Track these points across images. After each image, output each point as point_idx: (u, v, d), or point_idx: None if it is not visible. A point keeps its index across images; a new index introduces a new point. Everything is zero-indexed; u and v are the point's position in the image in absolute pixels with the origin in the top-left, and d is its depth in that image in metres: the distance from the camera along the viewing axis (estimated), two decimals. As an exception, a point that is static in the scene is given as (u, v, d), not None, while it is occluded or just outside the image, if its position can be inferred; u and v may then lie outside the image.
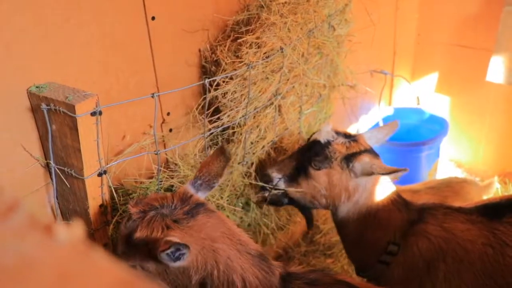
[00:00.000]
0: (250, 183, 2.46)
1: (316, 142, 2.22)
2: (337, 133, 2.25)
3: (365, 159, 2.15)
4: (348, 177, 2.16)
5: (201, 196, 1.73)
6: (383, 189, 2.21)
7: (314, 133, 2.32)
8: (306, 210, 2.48)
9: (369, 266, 2.22)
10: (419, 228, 2.13)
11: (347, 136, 2.25)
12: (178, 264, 1.51)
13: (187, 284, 1.60)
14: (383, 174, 2.07)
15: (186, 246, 1.43)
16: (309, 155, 2.23)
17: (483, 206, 2.17)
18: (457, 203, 2.37)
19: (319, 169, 2.18)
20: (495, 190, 3.59)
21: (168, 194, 1.68)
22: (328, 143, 2.21)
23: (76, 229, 0.38)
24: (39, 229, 0.37)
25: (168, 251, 1.42)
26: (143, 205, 1.61)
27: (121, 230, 1.62)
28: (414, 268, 2.09)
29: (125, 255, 1.59)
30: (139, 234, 1.54)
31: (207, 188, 1.77)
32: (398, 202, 2.22)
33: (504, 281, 1.97)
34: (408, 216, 2.18)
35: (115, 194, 1.89)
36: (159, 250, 1.43)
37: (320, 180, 2.19)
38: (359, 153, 2.18)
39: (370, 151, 2.23)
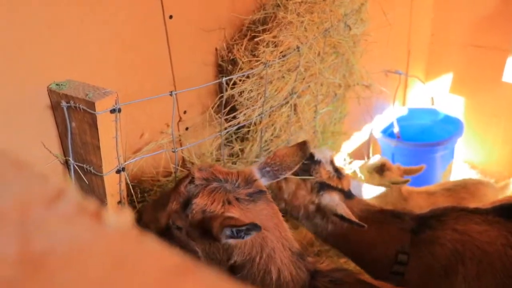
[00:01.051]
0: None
1: (312, 155, 2.26)
2: (332, 162, 2.30)
3: (336, 197, 2.18)
4: (311, 202, 2.21)
5: (264, 182, 1.75)
6: (355, 214, 2.21)
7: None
8: None
9: (381, 277, 2.20)
10: (427, 236, 2.11)
11: (337, 170, 2.29)
12: (231, 241, 1.54)
13: (223, 262, 1.62)
14: (340, 217, 2.10)
15: (259, 227, 1.44)
16: None
17: (499, 206, 2.14)
18: (473, 205, 2.35)
19: (296, 174, 2.20)
20: None
21: (234, 171, 1.70)
22: (319, 162, 2.25)
23: (125, 215, 0.38)
24: (88, 215, 0.38)
25: (241, 229, 1.44)
26: (208, 173, 1.64)
27: (179, 189, 1.63)
28: (431, 273, 2.07)
29: (176, 215, 1.61)
30: (199, 200, 1.57)
31: (272, 177, 1.79)
32: (382, 217, 2.23)
33: None
34: (405, 225, 2.17)
35: (132, 191, 1.90)
36: (227, 223, 1.45)
37: (289, 185, 2.23)
38: (335, 189, 2.22)
39: (347, 193, 2.26)
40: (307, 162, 2.21)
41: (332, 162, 2.30)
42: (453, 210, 2.18)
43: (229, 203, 1.57)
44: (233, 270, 1.63)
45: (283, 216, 1.76)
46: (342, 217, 2.09)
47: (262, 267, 1.62)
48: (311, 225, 2.28)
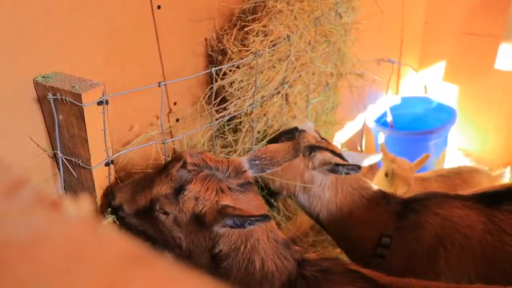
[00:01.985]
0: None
1: (295, 127, 2.31)
2: (317, 131, 2.34)
3: (328, 154, 2.20)
4: (305, 167, 2.21)
5: (250, 174, 1.76)
6: (349, 186, 2.23)
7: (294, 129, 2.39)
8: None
9: (364, 259, 2.20)
10: (411, 219, 2.13)
11: (323, 138, 2.34)
12: (222, 230, 1.55)
13: (207, 249, 1.63)
14: (336, 164, 2.12)
15: (269, 218, 1.46)
16: (282, 131, 2.33)
17: (479, 194, 2.16)
18: (466, 192, 2.35)
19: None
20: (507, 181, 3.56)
21: (224, 159, 1.70)
22: (303, 131, 2.28)
23: (84, 204, 0.37)
24: (46, 204, 0.37)
25: (251, 219, 1.46)
26: (199, 160, 1.63)
27: (170, 173, 1.62)
28: (414, 257, 2.09)
29: (166, 200, 1.60)
30: (192, 186, 1.57)
31: (259, 170, 1.80)
32: (373, 196, 2.24)
33: (503, 267, 1.97)
34: (391, 208, 2.19)
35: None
36: (229, 212, 1.47)
37: None
38: (325, 149, 2.23)
39: (337, 154, 2.26)
40: (291, 134, 2.26)
41: (317, 131, 2.34)
42: (435, 195, 2.20)
43: (222, 191, 1.57)
44: (217, 259, 1.63)
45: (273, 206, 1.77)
46: (337, 164, 2.11)
47: (246, 257, 1.63)
48: (307, 199, 2.27)
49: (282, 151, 1.83)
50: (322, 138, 2.34)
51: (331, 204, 2.23)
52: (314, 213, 2.30)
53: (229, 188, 1.60)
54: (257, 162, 1.78)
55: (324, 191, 2.23)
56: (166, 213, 1.62)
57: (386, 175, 2.93)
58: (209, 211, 1.53)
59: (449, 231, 2.05)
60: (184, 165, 1.61)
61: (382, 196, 2.24)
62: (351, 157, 2.37)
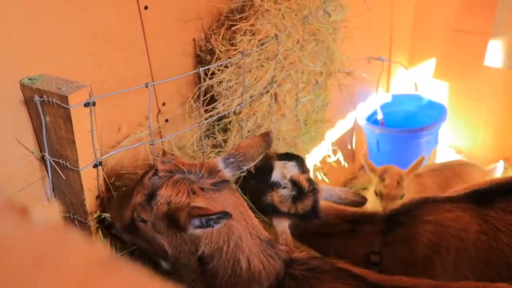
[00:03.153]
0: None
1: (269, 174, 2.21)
2: (294, 181, 2.20)
3: (284, 223, 2.15)
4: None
5: (227, 173, 1.75)
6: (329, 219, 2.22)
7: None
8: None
9: None
10: (400, 234, 2.11)
11: (299, 188, 2.19)
12: (198, 231, 1.54)
13: (191, 253, 1.62)
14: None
15: (229, 215, 1.45)
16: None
17: (471, 192, 2.14)
18: (458, 185, 2.36)
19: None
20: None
21: (197, 162, 1.71)
22: (275, 184, 2.19)
23: (52, 211, 0.37)
24: (14, 211, 0.36)
25: (211, 217, 1.45)
26: (171, 166, 1.64)
27: (143, 182, 1.62)
28: (410, 267, 2.07)
29: (141, 207, 1.61)
30: (164, 191, 1.57)
31: (236, 168, 1.79)
32: (353, 221, 2.22)
33: (499, 265, 1.97)
34: (374, 228, 2.17)
35: (110, 187, 1.88)
36: (195, 213, 1.46)
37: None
38: (285, 214, 2.16)
39: (301, 215, 2.18)
40: (265, 186, 2.18)
41: (294, 181, 2.19)
42: (424, 202, 2.17)
43: (194, 193, 1.57)
44: (203, 262, 1.63)
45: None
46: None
47: (231, 256, 1.62)
48: None
49: (254, 145, 1.82)
50: (298, 189, 2.18)
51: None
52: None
53: (202, 189, 1.59)
54: (231, 160, 1.77)
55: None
56: (144, 221, 1.62)
57: (376, 193, 2.92)
58: (181, 214, 1.51)
59: (444, 236, 2.03)
60: (155, 173, 1.62)
61: (363, 218, 2.23)
62: (333, 191, 2.34)
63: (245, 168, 1.81)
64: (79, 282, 0.31)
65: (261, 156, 1.83)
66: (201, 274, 1.66)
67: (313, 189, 2.19)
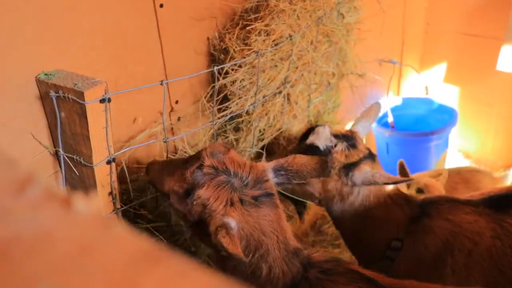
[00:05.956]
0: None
1: (315, 148, 2.14)
2: (336, 136, 2.16)
3: (366, 168, 2.09)
4: (344, 183, 2.12)
5: (274, 183, 1.71)
6: (380, 189, 2.17)
7: (311, 130, 2.23)
8: (297, 204, 2.46)
9: (372, 261, 2.17)
10: (423, 223, 2.09)
11: (346, 138, 2.16)
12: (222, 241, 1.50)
13: (213, 246, 1.57)
14: (385, 184, 2.04)
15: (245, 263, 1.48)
16: (310, 128, 2.20)
17: (489, 197, 2.12)
18: (466, 191, 2.33)
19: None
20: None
21: (247, 163, 1.63)
22: (328, 150, 2.12)
23: (94, 201, 0.37)
24: (56, 201, 0.36)
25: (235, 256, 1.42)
26: (218, 162, 1.58)
27: (185, 172, 1.58)
28: (421, 263, 2.06)
29: (177, 197, 1.60)
30: (203, 193, 1.53)
31: (284, 181, 1.74)
32: (397, 198, 2.18)
33: None
34: (410, 212, 2.14)
35: (129, 184, 1.89)
36: (220, 236, 1.42)
37: (315, 186, 2.16)
38: (359, 161, 2.12)
39: (369, 156, 2.16)
40: (318, 160, 2.14)
41: (336, 136, 2.16)
42: (447, 200, 2.15)
43: (232, 204, 1.51)
44: (224, 257, 1.62)
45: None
46: (386, 183, 2.04)
47: (253, 263, 1.60)
48: (341, 207, 2.19)
49: (309, 166, 1.75)
50: (345, 138, 2.16)
51: (361, 206, 2.16)
52: (339, 214, 2.23)
53: (241, 201, 1.53)
54: (282, 172, 1.71)
55: (358, 198, 2.15)
56: (177, 209, 1.63)
57: (418, 191, 2.85)
58: (210, 224, 1.48)
59: (458, 238, 2.01)
60: (200, 167, 1.57)
61: (405, 199, 2.18)
62: (365, 127, 2.31)
63: (293, 183, 1.76)
64: (125, 271, 0.31)
65: (310, 179, 1.81)
66: (219, 261, 1.66)
67: (352, 132, 2.22)
